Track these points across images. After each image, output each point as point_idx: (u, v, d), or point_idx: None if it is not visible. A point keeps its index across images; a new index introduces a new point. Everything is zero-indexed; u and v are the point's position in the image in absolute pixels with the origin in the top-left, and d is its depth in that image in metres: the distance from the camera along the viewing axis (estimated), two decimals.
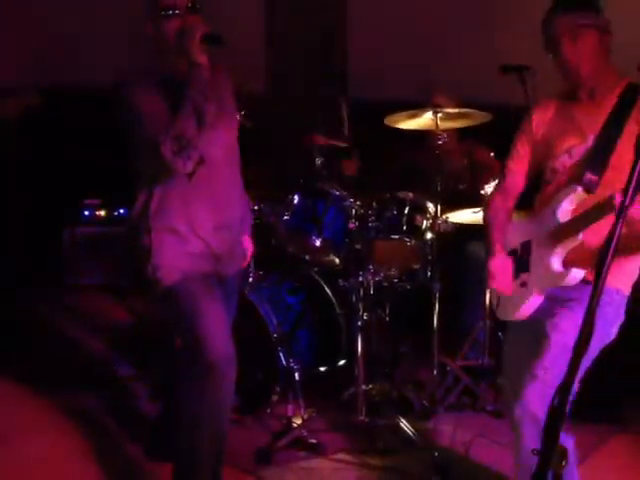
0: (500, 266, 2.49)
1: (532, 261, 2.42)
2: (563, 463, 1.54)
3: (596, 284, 1.52)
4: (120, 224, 5.03)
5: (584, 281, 2.27)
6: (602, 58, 2.38)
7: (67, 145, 5.20)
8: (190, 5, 2.52)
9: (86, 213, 5.17)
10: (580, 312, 1.63)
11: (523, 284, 2.42)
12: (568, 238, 2.27)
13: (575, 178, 2.33)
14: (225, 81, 2.70)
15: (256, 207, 3.56)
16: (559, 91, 2.53)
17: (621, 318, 2.37)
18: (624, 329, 2.41)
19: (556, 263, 2.30)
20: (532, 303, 2.38)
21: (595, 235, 2.16)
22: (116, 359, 4.01)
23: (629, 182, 1.55)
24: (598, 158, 2.31)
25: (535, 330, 2.35)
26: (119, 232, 4.96)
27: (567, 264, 2.30)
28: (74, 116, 5.05)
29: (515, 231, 2.54)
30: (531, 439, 2.21)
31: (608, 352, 2.37)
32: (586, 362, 2.22)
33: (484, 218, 2.64)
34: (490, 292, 2.66)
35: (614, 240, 1.53)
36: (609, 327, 2.33)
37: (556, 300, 2.35)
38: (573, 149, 2.38)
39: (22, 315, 4.57)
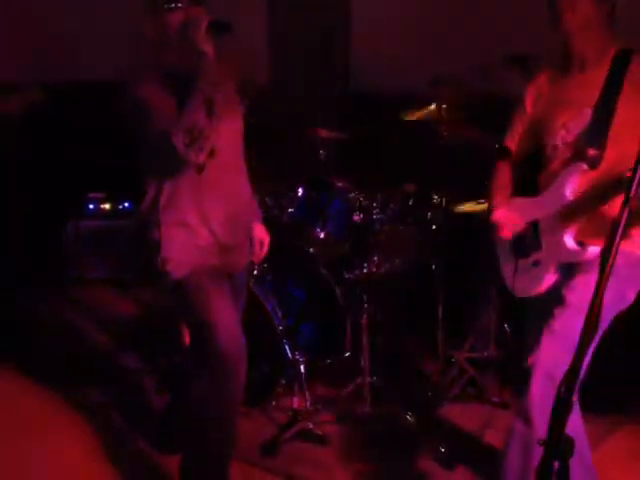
0: (505, 215, 2.50)
1: (545, 240, 2.41)
2: (569, 453, 1.54)
3: (603, 265, 1.52)
4: (124, 217, 5.04)
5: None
6: (598, 28, 2.33)
7: (71, 139, 5.20)
8: None
9: (90, 206, 5.17)
10: (595, 273, 1.61)
11: (536, 263, 2.43)
12: (581, 216, 2.28)
13: (578, 154, 2.32)
14: (227, 71, 2.70)
15: (260, 199, 3.56)
16: (553, 64, 2.51)
17: (639, 282, 2.35)
18: (628, 320, 2.40)
19: (570, 242, 2.31)
20: (548, 280, 2.41)
21: (610, 205, 2.16)
22: (122, 352, 4.02)
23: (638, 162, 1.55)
24: (598, 132, 2.29)
25: (554, 299, 2.37)
26: (124, 225, 4.96)
27: (582, 236, 2.30)
28: (77, 111, 5.04)
29: (521, 211, 2.53)
30: (538, 392, 2.22)
31: (612, 342, 2.36)
32: (600, 329, 2.23)
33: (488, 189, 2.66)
34: (503, 272, 2.63)
35: (623, 219, 1.52)
36: (624, 288, 2.31)
37: (571, 267, 2.36)
38: (568, 123, 2.37)
39: (25, 310, 4.57)
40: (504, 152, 2.64)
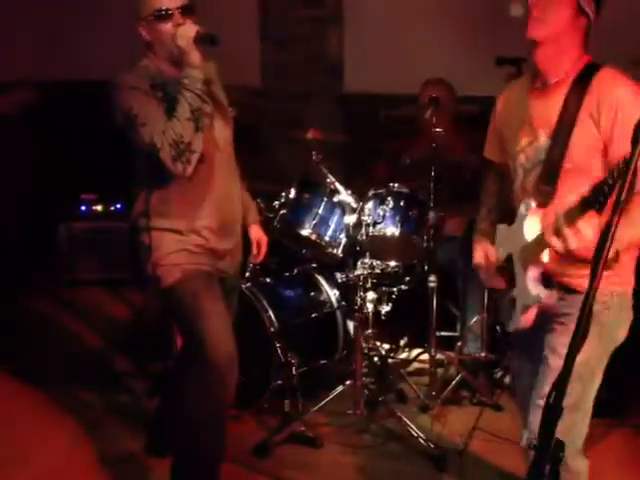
0: (481, 256, 2.33)
1: (516, 277, 2.20)
2: (560, 457, 1.53)
3: (591, 285, 1.48)
4: (117, 219, 5.03)
5: (574, 291, 2.10)
6: (568, 42, 2.08)
7: (63, 140, 5.18)
8: (183, 6, 2.50)
9: (83, 208, 5.16)
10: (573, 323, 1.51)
11: (512, 300, 2.22)
12: (538, 256, 2.06)
13: (533, 186, 2.14)
14: (215, 76, 2.69)
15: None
16: (529, 74, 2.27)
17: (628, 319, 2.18)
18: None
19: (530, 283, 2.10)
20: (522, 319, 2.18)
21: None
22: (113, 355, 4.00)
23: (624, 176, 1.51)
24: (550, 165, 2.08)
25: (535, 344, 2.21)
26: (116, 227, 4.95)
27: (551, 275, 2.12)
28: (69, 111, 5.03)
29: (501, 241, 2.32)
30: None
31: None
32: (599, 367, 2.15)
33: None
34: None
35: (608, 242, 1.48)
36: (611, 331, 2.15)
37: (550, 314, 2.17)
38: (527, 149, 2.18)
39: (19, 311, 4.56)
40: (487, 164, 2.47)
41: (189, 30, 2.44)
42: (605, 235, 1.48)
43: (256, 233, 2.94)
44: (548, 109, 2.11)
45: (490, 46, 4.20)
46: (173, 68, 2.53)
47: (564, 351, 1.50)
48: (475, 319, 3.66)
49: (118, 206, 5.13)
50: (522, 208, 2.15)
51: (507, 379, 3.59)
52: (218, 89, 2.69)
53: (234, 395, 2.63)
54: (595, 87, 2.04)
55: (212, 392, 2.55)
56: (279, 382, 3.34)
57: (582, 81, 2.07)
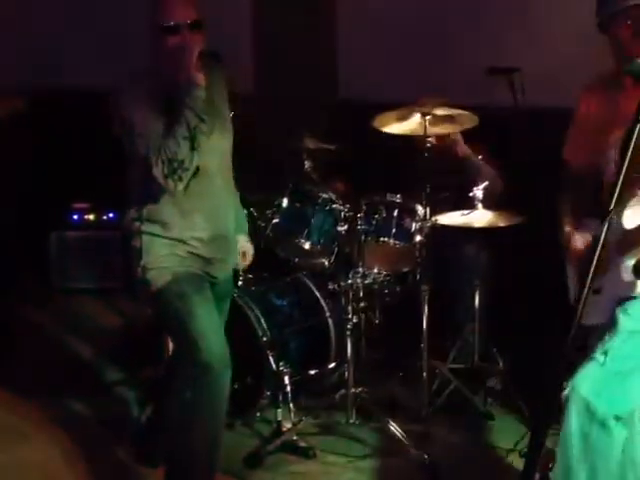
0: (581, 242, 2.41)
1: (609, 266, 2.26)
2: (550, 465, 1.54)
3: (580, 293, 1.50)
4: (109, 228, 5.02)
5: None
6: None
7: (55, 149, 5.18)
8: (193, 22, 2.49)
9: (75, 217, 5.14)
10: None
11: (597, 290, 2.24)
12: (637, 247, 2.17)
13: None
14: (219, 85, 2.68)
15: (245, 210, 3.56)
16: (602, 75, 2.42)
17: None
18: None
19: (626, 273, 2.20)
20: (607, 309, 2.26)
21: None
22: (105, 364, 3.99)
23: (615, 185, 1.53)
24: None
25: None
26: (108, 236, 4.94)
27: None
28: (62, 119, 5.02)
29: (589, 232, 2.41)
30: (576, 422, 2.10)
31: None
32: None
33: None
34: (573, 294, 2.55)
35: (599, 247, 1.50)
36: None
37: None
38: (619, 142, 2.21)
39: (9, 320, 4.54)
40: (566, 165, 2.53)
41: (194, 48, 2.43)
42: (595, 244, 1.49)
43: (242, 244, 2.94)
44: None
45: (480, 56, 4.22)
46: (175, 81, 2.50)
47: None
48: (467, 328, 3.66)
49: (110, 215, 5.12)
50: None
51: (498, 387, 3.60)
52: (221, 98, 2.68)
53: (228, 398, 2.61)
54: None
55: (206, 397, 2.53)
56: (271, 391, 3.33)
57: None
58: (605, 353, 2.14)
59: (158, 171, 2.40)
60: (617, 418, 1.92)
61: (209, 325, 2.55)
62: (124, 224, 2.67)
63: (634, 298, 2.23)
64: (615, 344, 2.15)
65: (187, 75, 2.44)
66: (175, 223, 2.58)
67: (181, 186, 2.46)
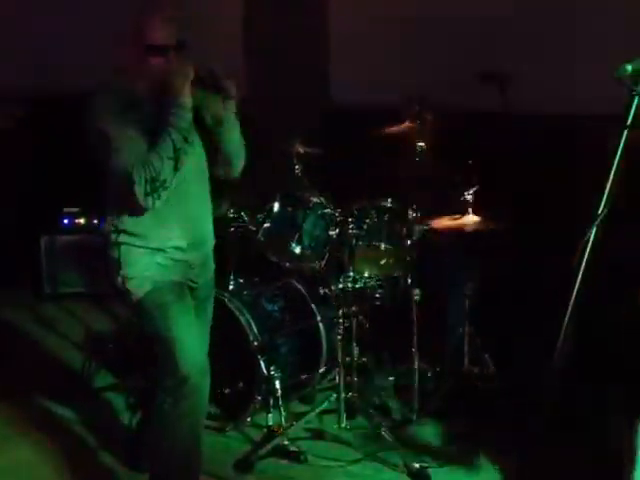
0: None
1: None
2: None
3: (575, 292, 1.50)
4: (99, 232, 4.98)
5: None
6: None
7: (46, 153, 5.16)
8: (178, 43, 2.47)
9: (65, 221, 5.13)
10: None
11: None
12: None
13: None
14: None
15: (236, 215, 3.56)
16: None
17: None
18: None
19: None
20: None
21: None
22: (95, 369, 3.97)
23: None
24: None
25: None
26: (98, 240, 4.89)
27: None
28: (52, 124, 5.01)
29: None
30: None
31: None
32: None
33: None
34: None
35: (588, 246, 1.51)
36: None
37: None
38: None
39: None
40: None
41: (188, 73, 2.42)
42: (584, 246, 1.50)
43: None
44: None
45: (473, 61, 4.23)
46: (152, 96, 2.49)
47: None
48: (457, 331, 3.67)
49: (101, 219, 5.09)
50: None
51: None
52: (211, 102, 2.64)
53: (208, 407, 2.62)
54: None
55: (184, 404, 2.54)
56: (262, 396, 3.32)
57: None
58: None
59: (139, 189, 2.38)
60: None
61: (188, 335, 2.56)
62: (104, 234, 2.66)
63: None
64: None
65: (178, 98, 2.41)
66: (153, 234, 2.57)
67: (159, 204, 2.44)
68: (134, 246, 2.57)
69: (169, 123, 2.41)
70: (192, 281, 2.70)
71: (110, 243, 2.61)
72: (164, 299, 2.56)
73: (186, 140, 2.43)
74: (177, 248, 2.60)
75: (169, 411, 2.55)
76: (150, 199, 2.41)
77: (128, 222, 2.56)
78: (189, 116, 2.44)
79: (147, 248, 2.57)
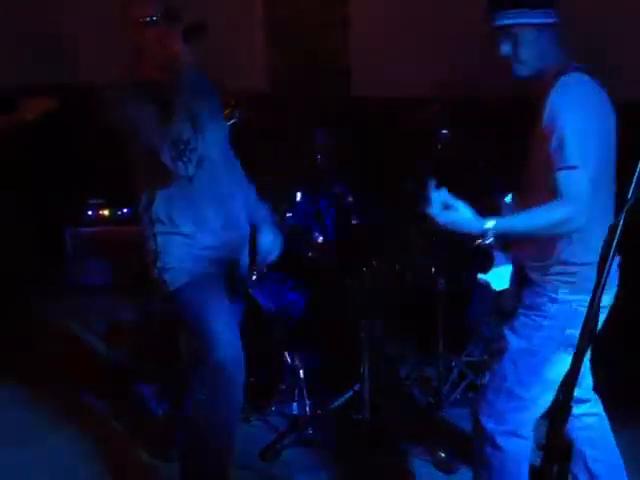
0: None
1: None
2: (567, 458, 1.53)
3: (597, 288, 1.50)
4: (124, 224, 5.03)
5: None
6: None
7: (70, 145, 5.20)
8: (166, 10, 2.49)
9: (89, 213, 5.17)
10: None
11: None
12: None
13: None
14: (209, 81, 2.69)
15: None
16: None
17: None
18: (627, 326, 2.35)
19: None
20: None
21: None
22: (123, 360, 4.00)
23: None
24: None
25: None
26: (123, 232, 4.95)
27: None
28: (76, 115, 5.03)
29: None
30: None
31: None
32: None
33: None
34: None
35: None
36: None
37: None
38: None
39: (25, 316, 4.56)
40: None
41: (176, 34, 2.42)
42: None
43: (265, 238, 2.85)
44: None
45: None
46: (160, 73, 2.51)
47: None
48: (483, 321, 3.65)
49: (125, 211, 5.14)
50: None
51: None
52: (212, 92, 2.68)
53: (243, 398, 2.63)
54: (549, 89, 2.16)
55: (221, 395, 2.55)
56: (287, 385, 3.33)
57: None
58: None
59: (166, 156, 2.40)
60: None
61: (224, 327, 2.56)
62: (140, 225, 2.67)
63: None
64: None
65: (177, 59, 2.43)
66: (186, 218, 2.58)
67: (191, 168, 2.45)
68: (170, 234, 2.58)
69: (174, 88, 2.42)
70: (226, 267, 2.69)
71: (147, 236, 2.61)
72: (201, 291, 2.57)
73: (197, 97, 2.43)
74: (210, 231, 2.60)
75: (204, 402, 2.56)
76: (180, 164, 2.42)
77: (161, 209, 2.57)
78: (192, 77, 2.43)
79: (182, 236, 2.57)
